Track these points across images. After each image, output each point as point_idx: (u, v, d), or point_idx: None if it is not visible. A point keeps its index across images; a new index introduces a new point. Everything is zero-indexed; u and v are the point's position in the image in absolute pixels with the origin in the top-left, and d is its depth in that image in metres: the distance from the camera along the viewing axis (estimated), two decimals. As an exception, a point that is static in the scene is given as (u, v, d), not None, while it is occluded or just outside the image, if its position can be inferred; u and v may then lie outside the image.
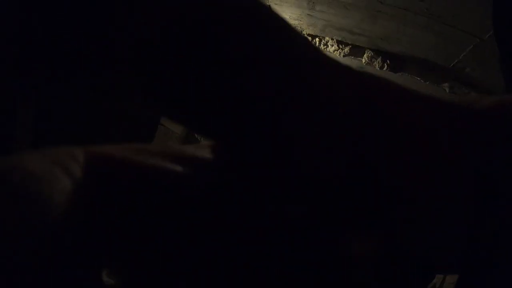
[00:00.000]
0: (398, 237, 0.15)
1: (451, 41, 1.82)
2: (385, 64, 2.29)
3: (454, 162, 0.15)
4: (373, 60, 2.34)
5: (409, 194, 0.15)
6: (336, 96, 0.15)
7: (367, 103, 0.15)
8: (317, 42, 2.43)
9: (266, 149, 0.14)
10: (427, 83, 2.16)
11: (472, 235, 0.15)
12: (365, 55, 2.35)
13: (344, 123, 0.15)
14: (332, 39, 2.38)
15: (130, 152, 0.15)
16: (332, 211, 0.15)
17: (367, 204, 0.15)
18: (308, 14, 2.20)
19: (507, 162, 0.15)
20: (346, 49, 2.40)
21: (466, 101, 0.17)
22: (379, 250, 0.15)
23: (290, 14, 2.24)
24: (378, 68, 2.33)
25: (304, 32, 2.41)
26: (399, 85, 0.17)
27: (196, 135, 2.46)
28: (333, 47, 2.42)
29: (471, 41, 1.75)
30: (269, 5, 0.14)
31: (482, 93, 2.00)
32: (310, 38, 2.44)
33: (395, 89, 0.16)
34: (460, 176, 0.15)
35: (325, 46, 2.43)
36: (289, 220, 0.15)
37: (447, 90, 2.10)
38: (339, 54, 2.42)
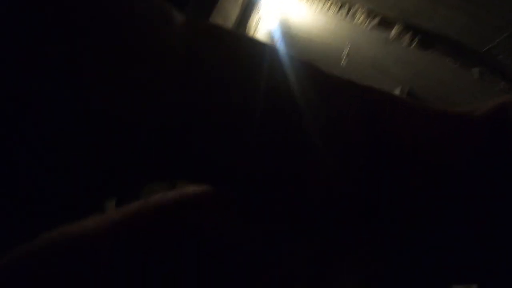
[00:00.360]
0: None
1: (486, 25, 1.69)
2: (414, 41, 2.17)
3: (456, 170, 0.15)
4: (401, 35, 2.21)
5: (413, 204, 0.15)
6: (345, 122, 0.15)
7: (371, 121, 0.15)
8: (345, 11, 2.30)
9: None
10: (456, 65, 2.03)
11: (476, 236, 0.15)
12: (394, 29, 2.23)
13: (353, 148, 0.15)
14: (361, 8, 2.25)
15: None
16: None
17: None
18: (337, -20, 2.08)
19: (506, 168, 0.15)
20: (375, 21, 2.27)
21: (467, 111, 0.17)
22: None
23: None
24: (407, 44, 2.21)
25: (331, 0, 2.29)
26: (401, 99, 0.17)
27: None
28: (361, 18, 2.29)
29: (508, 27, 1.62)
30: None
31: (510, 85, 1.88)
32: (338, 7, 2.32)
33: (398, 103, 0.16)
34: (462, 182, 0.15)
35: (352, 16, 2.31)
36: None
37: (477, 75, 1.98)
38: (367, 26, 2.30)
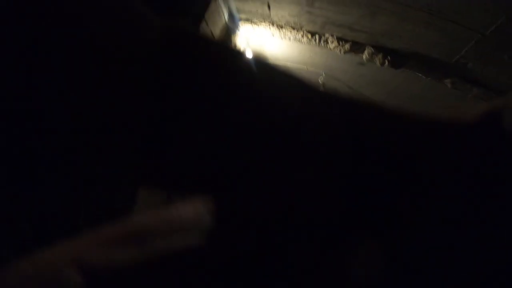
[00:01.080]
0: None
1: (452, 37, 1.81)
2: (386, 61, 2.28)
3: (448, 174, 0.15)
4: (373, 56, 2.32)
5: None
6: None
7: (361, 129, 0.15)
8: (317, 39, 2.41)
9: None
10: (429, 79, 2.14)
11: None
12: (365, 52, 2.34)
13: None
14: (332, 35, 2.37)
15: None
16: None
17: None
18: (307, 11, 2.19)
19: (496, 167, 0.15)
20: (347, 46, 2.38)
21: (456, 114, 0.17)
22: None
23: (289, 11, 2.23)
24: (379, 64, 2.32)
25: (303, 29, 2.40)
26: (386, 106, 0.17)
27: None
28: (333, 44, 2.40)
29: (472, 37, 1.74)
30: None
31: (483, 89, 1.99)
32: (310, 35, 2.43)
33: (384, 111, 0.17)
34: (457, 185, 0.15)
35: (325, 43, 2.42)
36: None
37: (449, 86, 2.09)
38: (340, 51, 2.40)
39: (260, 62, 0.16)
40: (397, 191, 0.15)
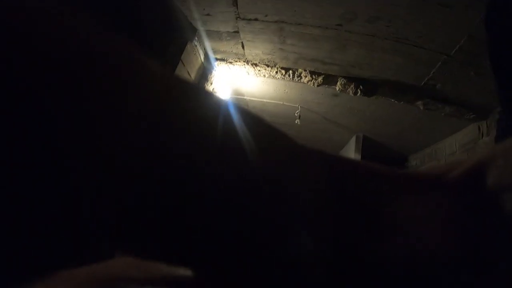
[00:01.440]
0: None
1: (419, 61, 1.91)
2: (359, 90, 2.37)
3: (433, 235, 0.15)
4: (346, 87, 2.42)
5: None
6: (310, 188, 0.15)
7: (339, 188, 0.16)
8: (291, 75, 2.50)
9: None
10: (401, 103, 2.23)
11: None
12: (338, 83, 2.43)
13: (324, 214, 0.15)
14: (305, 70, 2.46)
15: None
16: None
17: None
18: (280, 48, 2.28)
19: (481, 229, 0.15)
20: (320, 79, 2.47)
21: (438, 172, 0.17)
22: None
23: (262, 50, 2.31)
24: (352, 94, 2.41)
25: (277, 66, 2.49)
26: (368, 166, 0.17)
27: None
28: (307, 78, 2.49)
29: (438, 59, 1.85)
30: None
31: (455, 107, 2.08)
32: (283, 71, 2.51)
33: (364, 170, 0.17)
34: (443, 244, 0.15)
35: (298, 78, 2.50)
36: None
37: (422, 108, 2.18)
38: (313, 84, 2.49)
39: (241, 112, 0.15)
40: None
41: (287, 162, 0.15)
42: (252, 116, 0.16)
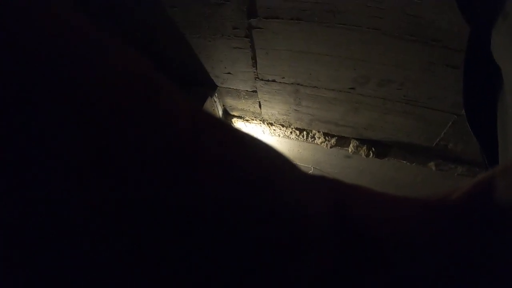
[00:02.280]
0: None
1: (430, 122, 1.97)
2: (371, 152, 2.42)
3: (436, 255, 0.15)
4: (359, 148, 2.47)
5: None
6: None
7: (344, 214, 0.16)
8: (305, 135, 2.57)
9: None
10: (413, 164, 2.25)
11: None
12: (351, 145, 2.49)
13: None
14: (318, 131, 2.53)
15: None
16: None
17: None
18: (295, 110, 2.36)
19: (483, 249, 0.15)
20: (333, 140, 2.53)
21: (441, 197, 0.17)
22: None
23: (278, 110, 2.41)
24: (365, 156, 2.45)
25: (292, 127, 2.57)
26: (371, 190, 0.18)
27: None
28: (320, 139, 2.55)
29: (449, 119, 1.91)
30: None
31: (467, 166, 2.09)
32: (298, 132, 2.59)
33: (370, 194, 0.17)
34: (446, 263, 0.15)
35: (312, 139, 2.57)
36: None
37: (434, 169, 2.19)
38: (326, 146, 2.55)
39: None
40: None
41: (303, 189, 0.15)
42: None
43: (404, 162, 2.27)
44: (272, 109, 2.44)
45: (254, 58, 1.95)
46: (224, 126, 0.15)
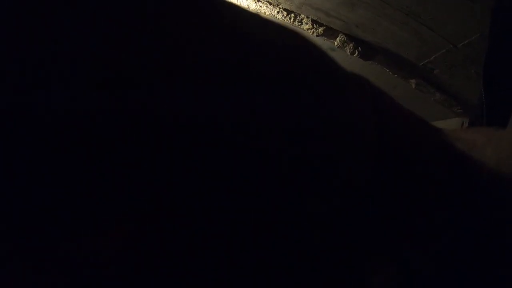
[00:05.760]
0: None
1: (424, 41, 1.87)
2: (356, 51, 2.31)
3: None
4: (345, 44, 2.35)
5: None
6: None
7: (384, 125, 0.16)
8: (292, 18, 2.38)
9: None
10: (395, 76, 2.21)
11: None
12: (338, 38, 2.35)
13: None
14: (307, 17, 2.35)
15: None
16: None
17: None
18: (286, -11, 2.14)
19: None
20: (320, 29, 2.37)
21: (490, 137, 0.17)
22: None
23: (268, -13, 2.16)
24: (349, 53, 2.35)
25: (280, 6, 2.35)
26: (407, 110, 0.18)
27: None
28: (308, 25, 2.38)
29: (444, 46, 1.81)
30: None
31: (446, 96, 2.10)
32: (285, 13, 2.39)
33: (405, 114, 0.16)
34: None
35: (299, 23, 2.39)
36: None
37: (413, 86, 2.18)
38: (313, 33, 2.40)
39: None
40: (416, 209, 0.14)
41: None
42: None
43: (387, 70, 2.21)
44: (260, -14, 2.18)
45: None
46: None
